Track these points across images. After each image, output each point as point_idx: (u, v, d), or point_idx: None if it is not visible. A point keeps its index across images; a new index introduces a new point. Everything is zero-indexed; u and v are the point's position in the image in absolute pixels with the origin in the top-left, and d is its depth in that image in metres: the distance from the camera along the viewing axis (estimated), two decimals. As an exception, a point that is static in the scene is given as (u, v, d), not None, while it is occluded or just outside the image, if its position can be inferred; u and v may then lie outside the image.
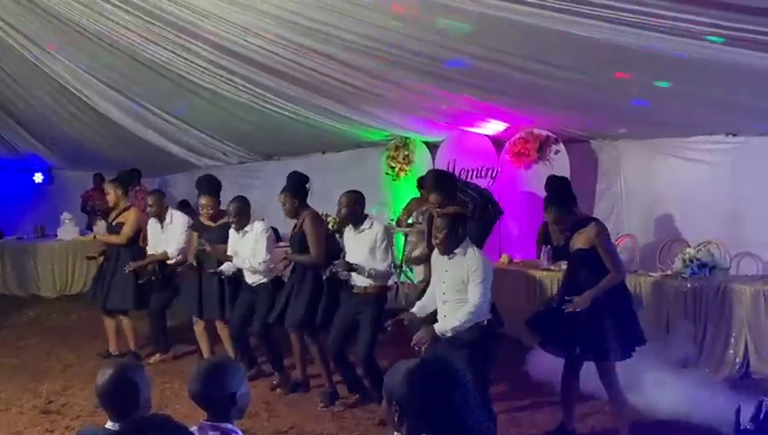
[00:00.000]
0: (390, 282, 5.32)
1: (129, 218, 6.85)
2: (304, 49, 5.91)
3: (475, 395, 2.23)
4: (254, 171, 10.88)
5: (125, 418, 2.56)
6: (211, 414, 2.68)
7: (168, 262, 6.67)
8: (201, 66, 6.94)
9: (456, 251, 4.41)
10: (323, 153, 10.20)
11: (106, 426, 2.65)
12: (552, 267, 6.95)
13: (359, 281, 5.30)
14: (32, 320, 9.05)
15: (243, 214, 5.90)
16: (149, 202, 6.75)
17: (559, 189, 4.79)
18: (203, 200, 6.26)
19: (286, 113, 8.19)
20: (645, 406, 5.05)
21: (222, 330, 6.40)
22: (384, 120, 8.37)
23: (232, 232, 6.01)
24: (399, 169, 9.31)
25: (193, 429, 2.61)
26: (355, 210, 5.32)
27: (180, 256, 6.62)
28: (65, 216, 10.89)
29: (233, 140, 10.25)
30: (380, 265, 5.28)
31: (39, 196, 12.33)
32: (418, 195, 8.43)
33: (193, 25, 5.86)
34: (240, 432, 2.72)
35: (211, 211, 6.24)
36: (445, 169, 8.66)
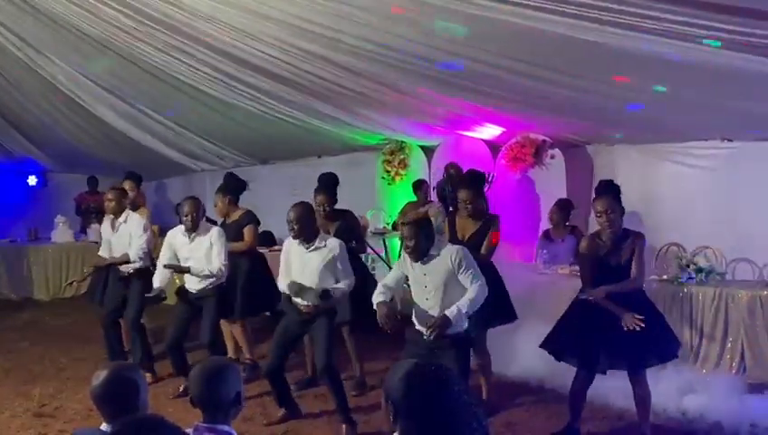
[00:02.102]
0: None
1: (144, 215, 6.84)
2: (302, 52, 5.91)
3: (470, 400, 2.22)
4: (250, 175, 10.84)
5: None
6: (210, 416, 2.66)
7: (129, 266, 6.36)
8: (199, 69, 6.92)
9: (431, 253, 4.40)
10: (319, 157, 10.18)
11: (101, 428, 2.62)
12: (547, 271, 6.96)
13: (308, 300, 5.10)
14: (25, 323, 9.02)
15: (196, 214, 5.75)
16: (108, 196, 6.47)
17: (615, 190, 4.83)
18: (216, 199, 6.47)
19: (283, 117, 8.18)
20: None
21: (233, 328, 6.50)
22: (381, 123, 8.37)
23: (177, 236, 5.86)
24: (395, 173, 9.30)
25: (188, 431, 2.59)
26: (308, 223, 5.08)
27: (141, 262, 6.34)
28: (59, 219, 10.87)
29: (229, 143, 10.22)
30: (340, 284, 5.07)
31: (33, 199, 12.30)
32: (414, 198, 8.44)
33: (191, 28, 5.84)
34: (235, 433, 2.70)
35: (218, 207, 6.44)
36: (441, 173, 8.72)
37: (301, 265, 5.13)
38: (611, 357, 4.65)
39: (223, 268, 5.73)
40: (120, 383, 2.62)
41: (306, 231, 5.05)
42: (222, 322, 6.43)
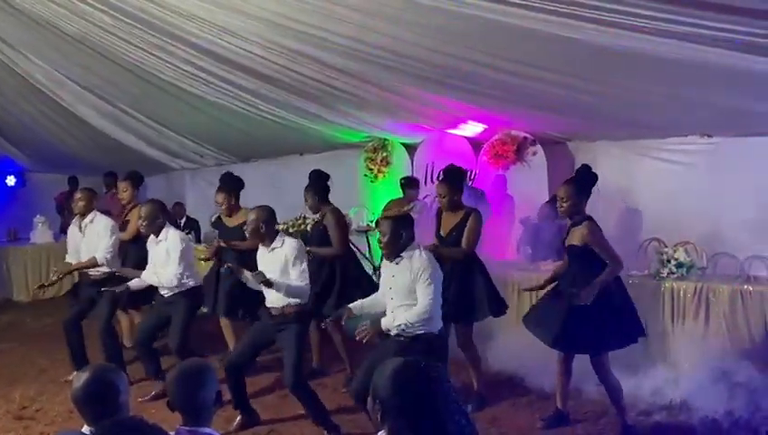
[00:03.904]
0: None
1: (135, 215, 6.75)
2: (284, 50, 5.88)
3: (458, 398, 2.22)
4: (231, 173, 10.79)
5: (103, 421, 2.51)
6: (191, 419, 2.63)
7: (97, 269, 6.31)
8: (180, 68, 6.87)
9: (402, 255, 4.35)
10: (301, 155, 10.15)
11: (82, 430, 2.60)
12: (531, 267, 6.99)
13: (275, 302, 5.06)
14: (5, 325, 8.94)
15: (153, 219, 5.69)
16: (77, 196, 6.40)
17: (583, 178, 5.06)
18: (217, 197, 6.48)
19: (266, 115, 8.14)
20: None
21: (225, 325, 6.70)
22: (363, 121, 8.35)
23: (151, 241, 5.86)
24: (378, 170, 9.27)
25: (170, 434, 2.57)
26: (267, 226, 5.05)
27: (108, 264, 6.28)
28: (38, 219, 10.78)
29: (210, 142, 10.17)
30: (295, 282, 5.01)
31: (12, 199, 12.17)
32: (399, 195, 8.42)
33: (172, 26, 5.80)
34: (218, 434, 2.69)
35: (223, 208, 6.44)
36: (424, 170, 8.73)
37: (263, 267, 5.11)
38: (574, 340, 4.84)
39: (173, 277, 5.60)
40: (100, 386, 2.59)
41: (266, 233, 5.05)
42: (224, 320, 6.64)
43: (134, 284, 5.91)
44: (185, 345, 5.67)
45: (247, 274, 5.10)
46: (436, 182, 5.78)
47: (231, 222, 6.46)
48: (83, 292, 6.48)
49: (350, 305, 4.67)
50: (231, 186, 6.50)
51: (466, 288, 5.41)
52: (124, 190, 7.03)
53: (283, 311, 5.01)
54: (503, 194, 8.17)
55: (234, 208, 6.43)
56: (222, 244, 6.42)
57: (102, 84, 8.07)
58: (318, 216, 6.21)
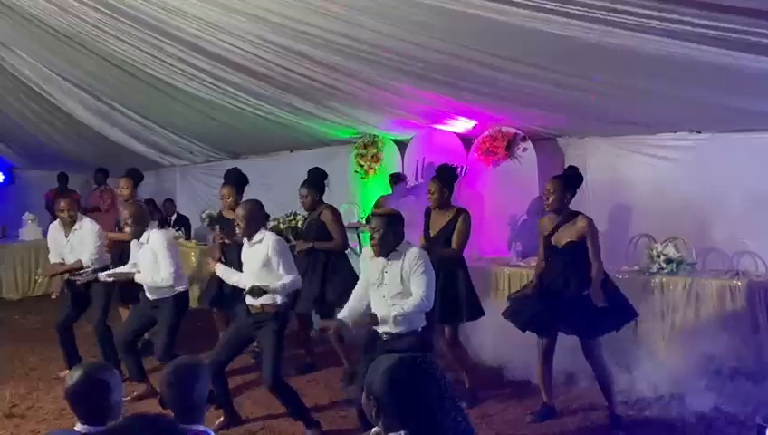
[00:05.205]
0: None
1: None
2: (274, 46, 5.87)
3: (453, 395, 2.22)
4: (221, 170, 10.72)
5: (96, 419, 2.51)
6: (184, 417, 2.63)
7: (83, 271, 6.20)
8: (169, 64, 6.85)
9: (397, 249, 4.27)
10: (291, 151, 10.14)
11: (75, 428, 2.59)
12: (521, 264, 7.01)
13: (255, 299, 4.95)
14: (-6, 323, 8.88)
15: (140, 220, 5.58)
16: (62, 206, 6.31)
17: (571, 176, 5.16)
18: (222, 190, 6.54)
19: (255, 111, 8.13)
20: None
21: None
22: (353, 117, 8.35)
23: (134, 243, 5.76)
24: (368, 167, 9.26)
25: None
26: (253, 221, 4.96)
27: (95, 265, 6.19)
28: (27, 216, 10.72)
29: (200, 138, 10.14)
30: (286, 277, 4.90)
31: (0, 196, 12.10)
32: (388, 192, 8.43)
33: (162, 22, 5.78)
34: (212, 432, 2.69)
35: (229, 201, 6.46)
36: (414, 166, 8.74)
37: (245, 261, 5.06)
38: (565, 324, 4.97)
39: (170, 276, 5.47)
40: (93, 383, 2.59)
41: (249, 228, 4.95)
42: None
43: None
44: (170, 353, 5.47)
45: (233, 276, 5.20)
46: (429, 179, 5.78)
47: (231, 214, 6.34)
48: (74, 293, 6.42)
49: (341, 317, 4.48)
50: (237, 180, 6.53)
51: (452, 289, 5.43)
52: (125, 187, 7.00)
53: (263, 308, 4.94)
54: (493, 190, 8.18)
55: (237, 203, 6.40)
56: (225, 240, 6.43)
57: (91, 80, 8.04)
58: (314, 213, 6.23)
